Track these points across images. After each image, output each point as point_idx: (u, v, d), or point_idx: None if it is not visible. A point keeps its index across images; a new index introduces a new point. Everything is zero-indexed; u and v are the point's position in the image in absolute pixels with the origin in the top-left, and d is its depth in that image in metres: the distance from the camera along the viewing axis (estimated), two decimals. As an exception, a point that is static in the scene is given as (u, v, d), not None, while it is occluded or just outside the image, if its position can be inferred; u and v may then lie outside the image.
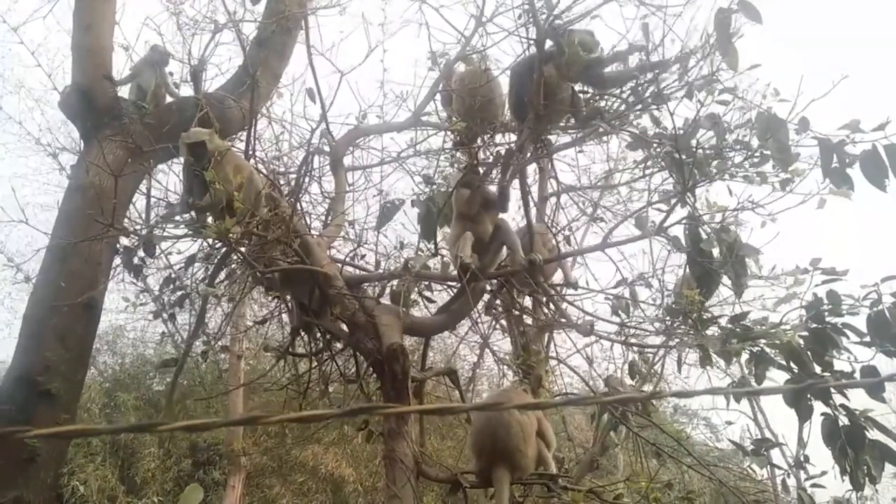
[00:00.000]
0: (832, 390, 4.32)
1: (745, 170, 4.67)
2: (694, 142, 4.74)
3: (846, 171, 4.40)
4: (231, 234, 4.55)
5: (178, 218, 5.48)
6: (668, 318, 5.12)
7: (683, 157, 4.60)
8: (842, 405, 4.34)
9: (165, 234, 5.42)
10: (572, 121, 5.72)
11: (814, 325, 4.48)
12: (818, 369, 4.43)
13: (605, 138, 6.09)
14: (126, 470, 12.89)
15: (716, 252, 4.76)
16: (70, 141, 7.11)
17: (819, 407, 4.39)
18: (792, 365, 4.50)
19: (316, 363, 6.13)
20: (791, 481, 5.41)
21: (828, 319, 4.46)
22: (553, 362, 6.39)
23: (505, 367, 7.22)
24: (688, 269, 5.04)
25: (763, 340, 4.55)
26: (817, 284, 4.51)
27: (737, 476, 7.03)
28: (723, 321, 4.84)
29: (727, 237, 4.74)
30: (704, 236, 4.77)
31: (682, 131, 4.68)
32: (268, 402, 13.09)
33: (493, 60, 6.56)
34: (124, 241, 5.30)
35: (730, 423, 6.06)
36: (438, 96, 6.65)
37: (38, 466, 4.10)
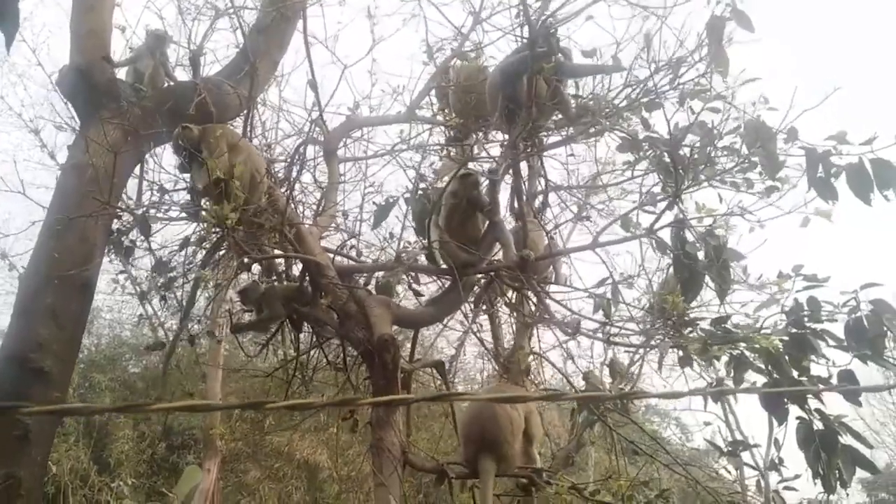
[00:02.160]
0: (808, 395, 4.44)
1: (733, 175, 4.78)
2: (686, 149, 4.83)
3: (831, 182, 4.51)
4: (228, 220, 4.59)
5: (172, 200, 5.54)
6: (649, 318, 5.22)
7: (673, 161, 4.71)
8: (817, 410, 4.46)
9: (160, 215, 5.47)
10: (562, 120, 5.83)
11: (793, 331, 4.60)
12: (795, 374, 4.55)
13: (594, 139, 6.18)
14: (99, 451, 12.84)
15: (701, 255, 4.86)
16: (54, 118, 7.04)
17: (794, 410, 4.51)
18: (770, 368, 4.61)
19: (298, 352, 6.19)
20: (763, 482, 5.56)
21: (807, 325, 4.58)
22: (535, 356, 6.48)
23: (486, 360, 7.32)
24: (671, 271, 5.17)
25: (743, 344, 4.66)
26: (798, 290, 4.63)
27: (707, 476, 7.17)
28: (704, 324, 4.95)
29: (713, 241, 4.84)
30: (691, 239, 4.87)
31: (672, 136, 4.78)
32: (244, 388, 13.10)
33: (490, 58, 6.65)
34: (117, 223, 5.34)
35: (707, 423, 6.13)
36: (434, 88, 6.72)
37: (29, 443, 4.12)
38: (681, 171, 4.76)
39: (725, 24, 4.80)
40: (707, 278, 4.83)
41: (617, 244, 5.37)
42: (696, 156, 4.85)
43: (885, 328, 4.33)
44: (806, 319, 4.58)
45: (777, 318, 4.71)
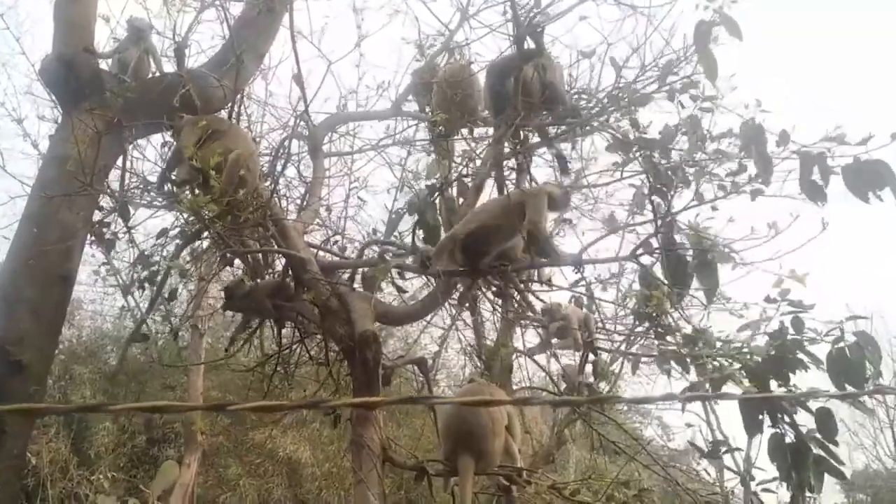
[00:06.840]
0: (783, 407, 4.39)
1: (721, 179, 4.77)
2: (675, 152, 4.83)
3: (819, 184, 4.45)
4: (206, 211, 4.55)
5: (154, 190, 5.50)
6: (634, 319, 5.21)
7: (661, 160, 4.72)
8: (790, 423, 4.41)
9: (141, 202, 5.43)
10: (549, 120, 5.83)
11: (775, 353, 4.51)
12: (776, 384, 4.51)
13: (579, 138, 6.18)
14: (80, 444, 12.73)
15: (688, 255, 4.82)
16: (37, 108, 6.96)
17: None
18: (750, 383, 4.54)
19: (280, 347, 6.17)
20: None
21: (790, 350, 4.49)
22: (517, 353, 6.48)
23: (467, 357, 7.32)
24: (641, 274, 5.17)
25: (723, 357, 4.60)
26: (784, 314, 4.55)
27: (687, 477, 7.20)
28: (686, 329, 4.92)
29: (704, 238, 4.78)
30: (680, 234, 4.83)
31: (660, 135, 4.79)
32: (226, 382, 13.02)
33: (475, 55, 6.65)
34: (98, 215, 5.30)
35: (690, 425, 6.13)
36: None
37: (5, 436, 4.09)
38: (669, 172, 4.75)
39: (712, 30, 4.80)
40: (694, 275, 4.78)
41: (601, 263, 5.34)
42: (683, 157, 4.84)
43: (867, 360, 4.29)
44: (789, 344, 4.49)
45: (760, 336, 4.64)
